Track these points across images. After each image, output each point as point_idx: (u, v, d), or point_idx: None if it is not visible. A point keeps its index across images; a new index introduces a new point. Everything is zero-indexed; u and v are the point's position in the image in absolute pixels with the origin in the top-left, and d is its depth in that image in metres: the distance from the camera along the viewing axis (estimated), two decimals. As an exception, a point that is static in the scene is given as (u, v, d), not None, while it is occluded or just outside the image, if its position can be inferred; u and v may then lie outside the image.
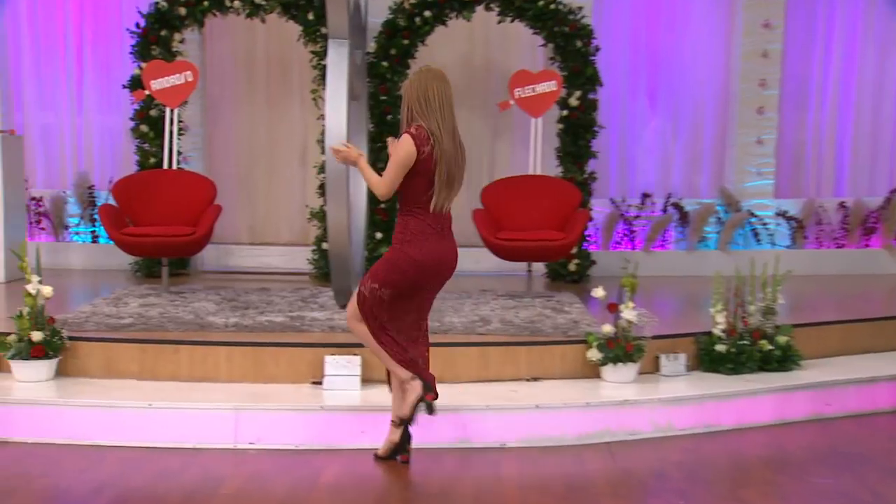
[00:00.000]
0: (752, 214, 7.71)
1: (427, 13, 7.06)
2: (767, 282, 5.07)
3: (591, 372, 4.76)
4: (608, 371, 4.72)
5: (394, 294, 3.80)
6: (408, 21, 7.08)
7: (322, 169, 6.86)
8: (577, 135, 7.13)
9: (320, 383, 4.53)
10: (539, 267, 7.19)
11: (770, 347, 4.93)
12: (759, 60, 7.71)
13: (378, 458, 4.04)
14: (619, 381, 4.68)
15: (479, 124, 7.94)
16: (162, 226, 6.13)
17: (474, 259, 7.49)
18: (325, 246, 6.97)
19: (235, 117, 7.95)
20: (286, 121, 7.94)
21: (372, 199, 6.97)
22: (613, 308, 4.80)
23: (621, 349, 4.69)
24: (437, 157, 3.73)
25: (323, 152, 6.77)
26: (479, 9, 7.12)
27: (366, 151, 6.60)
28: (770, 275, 5.14)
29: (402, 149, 3.71)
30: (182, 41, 7.19)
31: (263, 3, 7.00)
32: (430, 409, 3.89)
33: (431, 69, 3.83)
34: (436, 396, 3.89)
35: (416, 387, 3.88)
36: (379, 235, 7.08)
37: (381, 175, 3.78)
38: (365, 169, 3.84)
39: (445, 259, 3.83)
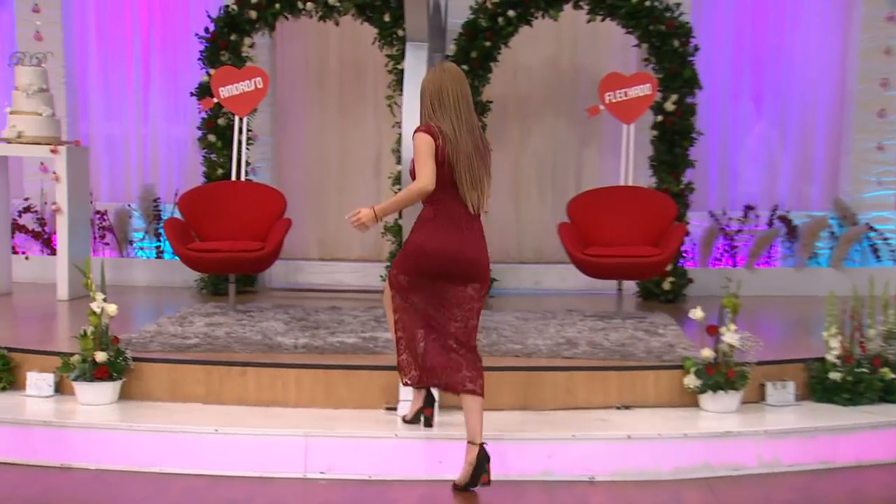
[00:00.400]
0: (871, 228, 7.58)
1: (511, 13, 7.07)
2: (889, 303, 4.98)
3: (689, 400, 4.71)
4: (707, 400, 4.65)
5: (410, 282, 4.01)
6: (490, 21, 7.11)
7: (397, 180, 6.89)
8: (672, 142, 7.07)
9: (395, 409, 4.52)
10: (630, 285, 7.14)
11: (893, 376, 4.83)
12: (880, 57, 7.56)
13: (456, 487, 4.03)
14: (719, 410, 4.61)
15: (565, 131, 7.92)
16: (229, 240, 6.20)
17: (560, 276, 7.47)
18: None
19: (306, 125, 8.04)
20: (359, 129, 8.04)
21: None
22: (713, 331, 4.74)
23: (722, 376, 4.62)
24: (448, 156, 3.92)
25: (398, 162, 6.83)
26: (567, 7, 7.11)
27: None
28: (892, 295, 5.04)
29: (420, 140, 3.92)
30: (252, 46, 7.32)
31: (337, 4, 7.09)
32: (428, 423, 4.17)
33: (447, 67, 4.04)
34: (432, 412, 4.19)
35: (419, 395, 4.27)
36: None
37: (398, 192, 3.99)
38: (390, 204, 3.97)
39: (458, 253, 3.96)
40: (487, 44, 7.13)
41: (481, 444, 3.98)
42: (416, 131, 3.96)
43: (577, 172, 7.94)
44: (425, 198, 3.97)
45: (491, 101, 7.27)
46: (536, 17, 7.16)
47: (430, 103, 3.98)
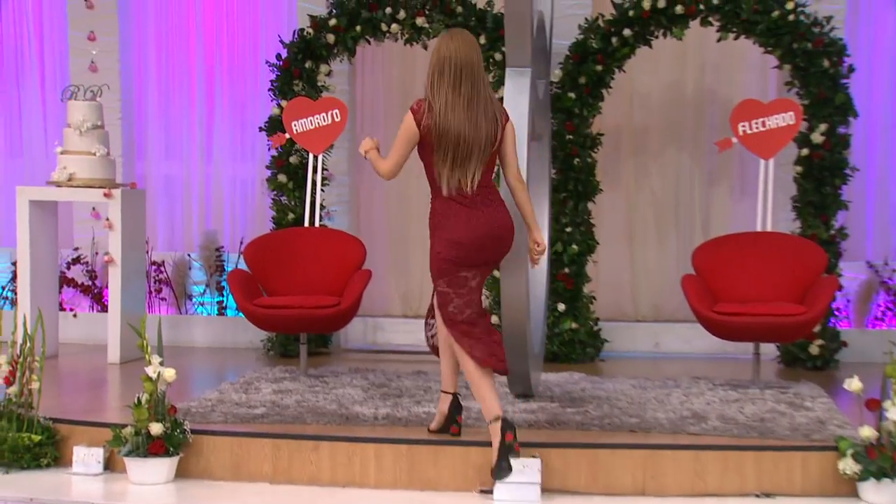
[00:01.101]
0: None
1: (627, 32, 7.07)
2: None
3: (845, 489, 4.58)
4: (869, 489, 4.52)
5: (451, 282, 4.46)
6: (602, 42, 7.11)
7: None
8: (821, 180, 6.93)
9: (490, 492, 4.49)
10: (770, 349, 7.01)
11: None
12: None
13: (430, 432, 4.69)
14: (884, 502, 4.48)
15: (690, 167, 7.88)
16: (301, 295, 6.21)
17: (683, 338, 7.39)
18: (495, 320, 6.92)
19: (409, 200, 8.09)
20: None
21: (555, 262, 7.02)
22: (874, 405, 4.60)
23: (887, 460, 4.49)
24: (436, 132, 4.35)
25: None
26: (694, 24, 7.08)
27: (547, 201, 6.62)
28: None
29: (402, 125, 4.41)
30: (329, 74, 7.44)
31: (426, 25, 7.18)
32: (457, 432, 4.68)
33: (455, 34, 4.45)
34: (514, 436, 4.41)
35: (445, 401, 4.71)
36: (562, 307, 7.06)
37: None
38: (377, 160, 4.50)
39: (485, 230, 4.46)
40: (599, 68, 7.13)
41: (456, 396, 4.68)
42: (410, 108, 4.44)
43: (705, 216, 7.89)
44: (432, 187, 4.49)
45: (602, 134, 7.26)
46: (657, 37, 7.14)
47: (431, 74, 4.40)
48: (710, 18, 7.04)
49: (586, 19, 7.27)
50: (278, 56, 7.45)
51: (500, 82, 6.89)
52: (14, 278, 7.63)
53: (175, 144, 8.40)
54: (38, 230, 6.95)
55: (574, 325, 7.07)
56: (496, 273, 6.78)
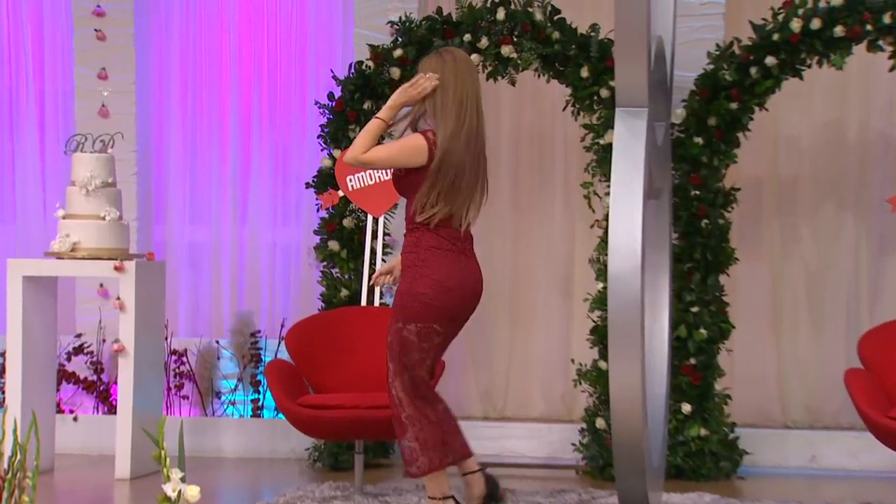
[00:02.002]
0: None
1: (770, 60, 6.95)
2: None
3: None
4: None
5: (421, 331, 4.94)
6: (738, 74, 7.03)
7: (599, 302, 6.88)
8: None
9: None
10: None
11: None
12: None
13: None
14: None
15: (853, 230, 7.77)
16: (357, 392, 6.20)
17: (847, 450, 7.26)
18: (601, 424, 6.94)
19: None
20: (542, 230, 8.14)
21: (678, 351, 6.95)
22: None
23: None
24: (437, 163, 4.92)
25: (600, 277, 6.90)
26: (859, 49, 6.95)
27: (667, 274, 6.59)
28: None
29: (414, 140, 4.97)
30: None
31: (514, 55, 7.18)
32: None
33: (455, 55, 5.07)
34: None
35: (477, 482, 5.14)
36: (687, 408, 6.98)
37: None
38: (372, 129, 5.02)
39: (471, 283, 5.09)
40: (733, 105, 7.05)
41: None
42: (420, 132, 4.99)
43: (874, 292, 7.76)
44: (413, 220, 5.00)
45: (738, 189, 7.18)
46: (809, 66, 7.04)
47: (432, 100, 4.95)
48: (881, 42, 6.92)
49: (718, 45, 7.20)
50: (330, 95, 7.46)
51: (606, 125, 6.92)
52: (2, 372, 7.62)
53: (202, 205, 8.46)
54: (33, 312, 6.97)
55: (703, 432, 6.96)
56: (602, 365, 6.82)
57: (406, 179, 5.07)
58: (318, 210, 7.42)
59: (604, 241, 6.79)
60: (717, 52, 7.15)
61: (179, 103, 8.54)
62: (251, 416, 7.93)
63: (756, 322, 7.76)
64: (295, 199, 8.31)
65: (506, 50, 7.20)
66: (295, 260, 8.31)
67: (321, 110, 7.48)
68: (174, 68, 8.53)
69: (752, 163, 7.51)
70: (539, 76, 7.33)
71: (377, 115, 5.08)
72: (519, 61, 7.21)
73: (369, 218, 7.06)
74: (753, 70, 7.03)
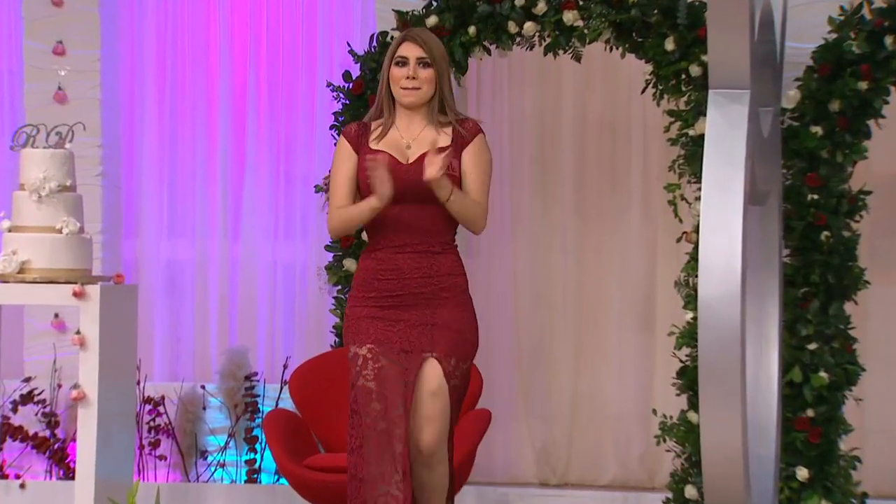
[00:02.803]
0: None
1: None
2: None
3: None
4: None
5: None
6: (868, 45, 6.97)
7: (689, 337, 6.87)
8: None
9: None
10: None
11: None
12: None
13: None
14: None
15: None
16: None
17: None
18: (691, 493, 6.94)
19: (517, 240, 8.14)
20: (615, 245, 8.15)
21: (790, 400, 6.88)
22: None
23: None
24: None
25: (689, 305, 6.87)
26: None
27: (776, 300, 6.55)
28: None
29: (488, 153, 5.40)
30: (425, 104, 7.49)
31: (579, 24, 7.12)
32: None
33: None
34: None
35: None
36: (803, 474, 6.91)
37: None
38: (459, 197, 5.23)
39: None
40: (862, 85, 6.98)
41: None
42: (476, 124, 5.37)
43: None
44: (452, 236, 5.32)
45: (868, 192, 7.10)
46: None
47: (448, 74, 5.33)
48: None
49: (842, 8, 7.09)
50: (346, 75, 7.44)
51: (697, 111, 6.85)
52: (-73, 428, 7.73)
53: (184, 214, 8.46)
54: (-31, 350, 7.01)
55: (825, 504, 6.95)
56: (692, 416, 6.89)
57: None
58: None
59: (694, 258, 6.78)
60: (842, 18, 7.09)
61: (156, 86, 8.49)
62: (245, 482, 7.90)
63: (893, 363, 7.70)
64: (301, 207, 8.33)
65: (569, 16, 7.15)
66: (301, 283, 8.32)
67: (334, 94, 7.45)
68: (149, 41, 8.50)
69: (886, 159, 7.50)
70: (611, 50, 7.29)
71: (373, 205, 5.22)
72: (586, 31, 7.17)
73: (396, 230, 7.02)
74: (889, 40, 6.99)
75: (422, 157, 5.13)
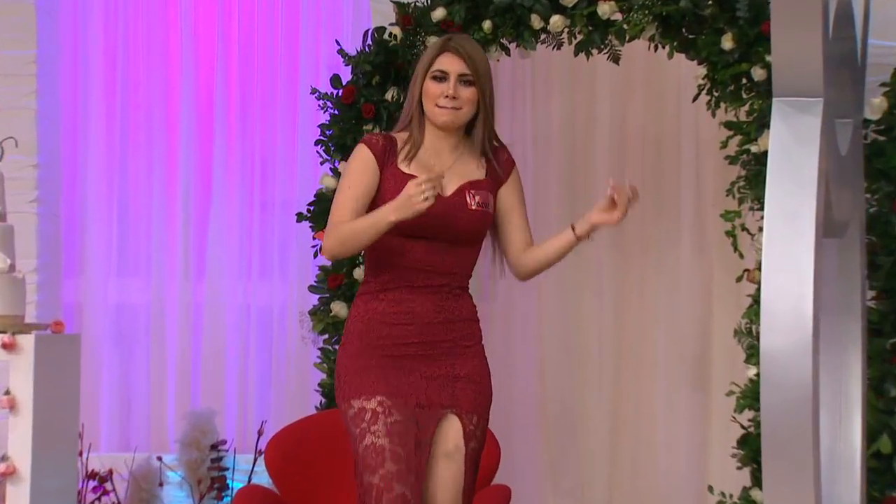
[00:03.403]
0: None
1: None
2: None
3: None
4: None
5: None
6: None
7: (751, 398, 6.83)
8: None
9: None
10: None
11: None
12: None
13: None
14: None
15: None
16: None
17: None
18: None
19: (540, 281, 7.68)
20: (661, 284, 8.21)
21: (879, 476, 6.81)
22: None
23: None
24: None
25: (750, 359, 6.84)
26: None
27: (859, 354, 6.45)
28: None
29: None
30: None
31: (618, 17, 7.08)
32: None
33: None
34: None
35: None
36: None
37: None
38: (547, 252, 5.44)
39: None
40: None
41: None
42: (514, 164, 5.42)
43: None
44: (468, 279, 5.33)
45: None
46: None
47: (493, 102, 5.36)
48: None
49: None
50: (335, 80, 7.36)
51: (761, 123, 6.83)
52: None
53: (137, 247, 8.48)
54: None
55: None
56: (755, 495, 6.79)
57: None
58: (315, 255, 7.28)
59: (757, 302, 6.76)
60: (940, 2, 7.13)
61: (104, 93, 8.53)
62: (211, 577, 7.90)
63: None
64: (279, 239, 8.34)
65: (605, 8, 7.09)
66: (280, 332, 8.35)
67: (320, 103, 7.40)
68: (95, 40, 8.53)
69: None
70: (656, 49, 7.20)
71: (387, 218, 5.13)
72: (625, 26, 7.11)
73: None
74: None
75: (461, 190, 5.15)
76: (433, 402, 5.12)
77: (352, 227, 5.09)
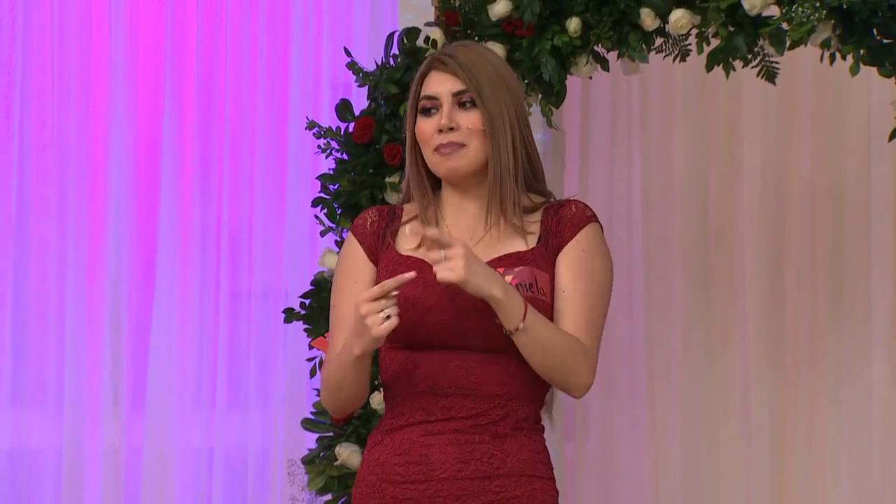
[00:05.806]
0: None
1: None
2: None
3: None
4: None
5: None
6: None
7: None
8: None
9: None
10: None
11: None
12: None
13: None
14: None
15: None
16: None
17: None
18: None
19: (655, 409, 8.43)
20: (843, 423, 8.24)
21: None
22: None
23: None
24: None
25: None
26: None
27: None
28: None
29: (604, 259, 5.13)
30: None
31: (774, 14, 6.94)
32: None
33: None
34: None
35: None
36: None
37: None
38: (539, 327, 4.89)
39: None
40: None
41: None
42: (589, 221, 5.10)
43: None
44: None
45: None
46: None
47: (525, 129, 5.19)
48: None
49: None
50: (343, 108, 7.19)
51: None
52: None
53: (39, 368, 8.37)
54: None
55: None
56: None
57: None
58: (312, 374, 7.37)
59: None
60: None
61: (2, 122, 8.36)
62: None
63: None
64: (258, 349, 8.31)
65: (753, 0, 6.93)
66: (257, 488, 8.34)
67: (321, 142, 7.30)
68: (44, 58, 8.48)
69: None
70: (832, 59, 7.10)
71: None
72: (785, 25, 6.98)
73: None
74: None
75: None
76: None
77: (333, 367, 4.97)
